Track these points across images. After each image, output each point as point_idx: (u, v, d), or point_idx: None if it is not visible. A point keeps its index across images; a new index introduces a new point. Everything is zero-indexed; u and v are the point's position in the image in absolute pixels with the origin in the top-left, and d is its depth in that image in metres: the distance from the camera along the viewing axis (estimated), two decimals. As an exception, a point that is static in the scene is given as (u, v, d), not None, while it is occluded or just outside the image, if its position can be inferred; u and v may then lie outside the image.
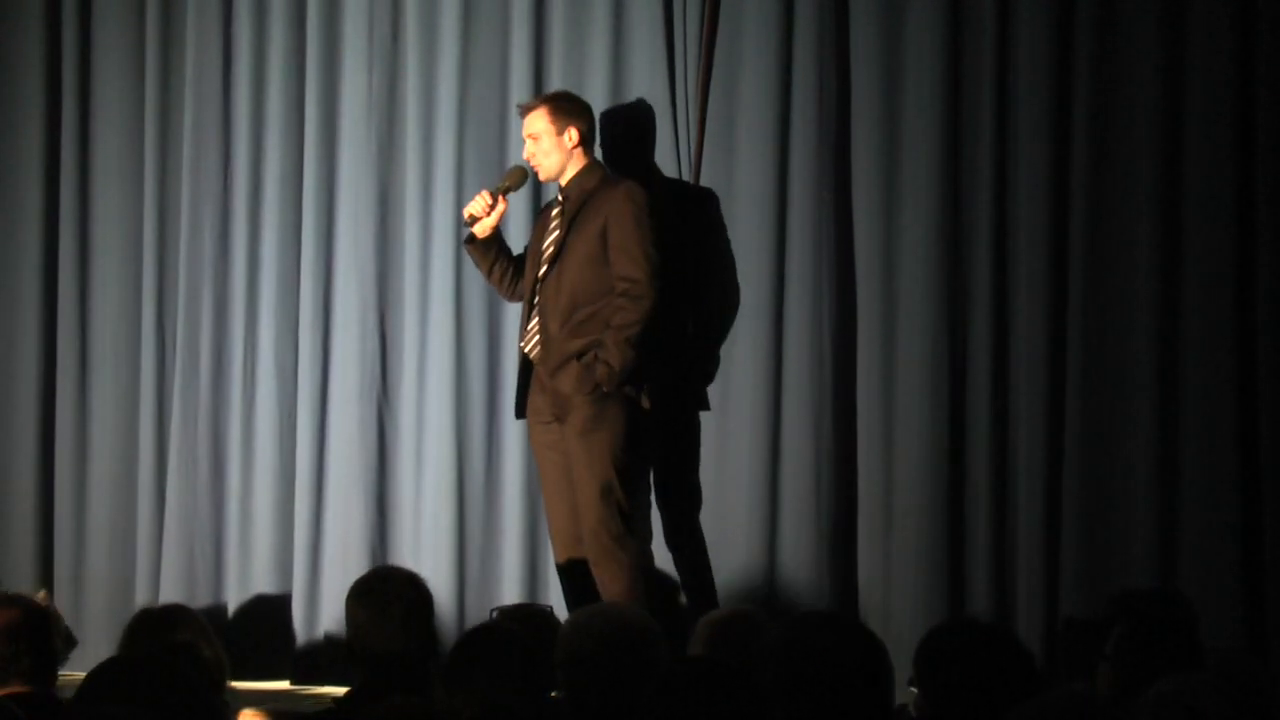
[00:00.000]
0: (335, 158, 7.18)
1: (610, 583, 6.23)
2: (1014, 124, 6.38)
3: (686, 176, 6.73)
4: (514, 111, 6.86)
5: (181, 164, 7.33)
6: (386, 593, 4.51)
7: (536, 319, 6.36)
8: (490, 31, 7.00)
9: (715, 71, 6.71)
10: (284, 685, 7.05)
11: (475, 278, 6.88)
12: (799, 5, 6.62)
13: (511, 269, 6.51)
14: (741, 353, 6.64)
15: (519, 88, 6.92)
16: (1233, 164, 6.19)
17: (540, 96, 6.52)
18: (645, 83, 6.77)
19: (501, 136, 6.99)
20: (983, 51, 6.40)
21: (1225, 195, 6.19)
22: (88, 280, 7.50)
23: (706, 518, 6.63)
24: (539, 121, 6.38)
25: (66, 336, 7.49)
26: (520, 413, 6.49)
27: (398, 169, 7.12)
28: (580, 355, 6.24)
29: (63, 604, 7.21)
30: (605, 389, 6.21)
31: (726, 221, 6.65)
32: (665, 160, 6.74)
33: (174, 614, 4.57)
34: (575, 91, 6.56)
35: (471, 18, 7.02)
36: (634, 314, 6.23)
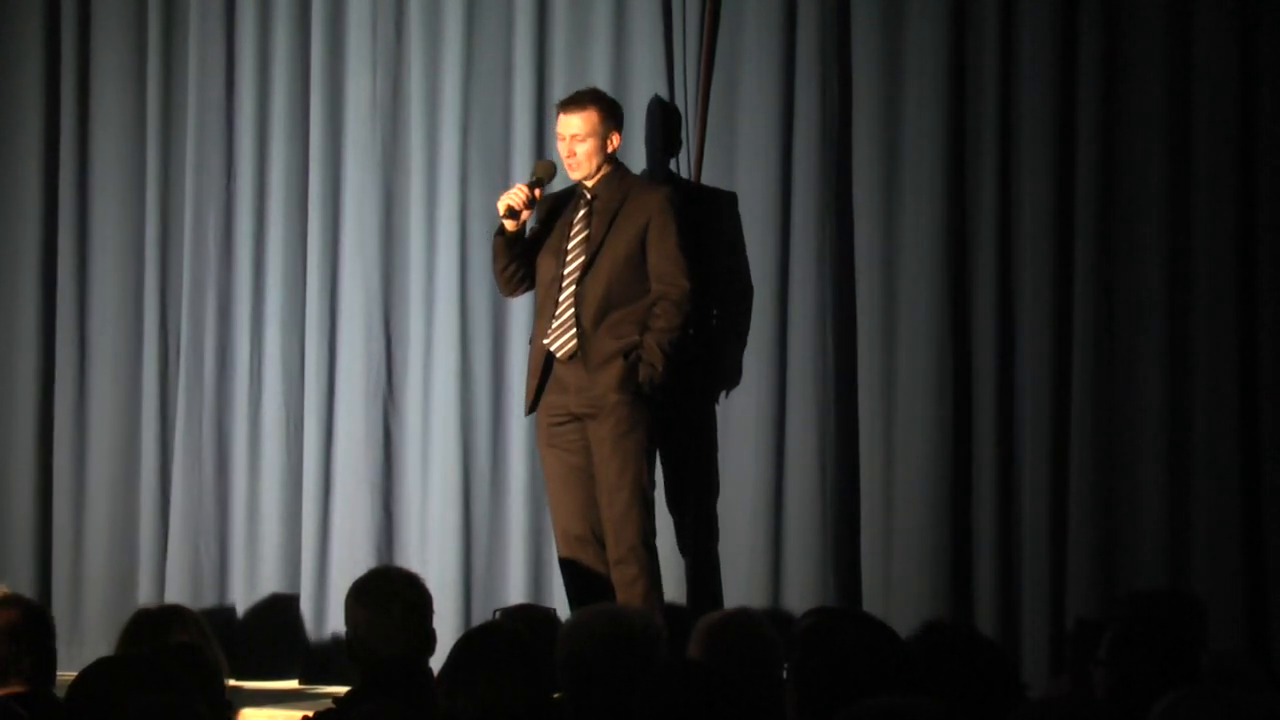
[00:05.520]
0: (340, 159, 7.19)
1: (633, 583, 6.27)
2: (1017, 122, 6.35)
3: (686, 176, 6.73)
4: (518, 112, 6.90)
5: (185, 165, 7.35)
6: (385, 592, 4.52)
7: (568, 316, 6.37)
8: (493, 33, 7.00)
9: (716, 72, 6.71)
10: (292, 684, 7.07)
11: (480, 277, 6.89)
12: (800, 4, 6.61)
13: (525, 266, 6.52)
14: (745, 353, 6.64)
15: (522, 89, 6.93)
16: (1238, 163, 6.16)
17: (587, 95, 6.49)
18: (647, 84, 6.76)
19: (506, 137, 6.99)
20: (985, 50, 6.38)
21: (1231, 195, 6.16)
22: (87, 280, 7.51)
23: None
24: (588, 123, 6.40)
25: (65, 336, 7.50)
26: (531, 409, 6.51)
27: (402, 170, 7.13)
28: (625, 354, 6.28)
29: (61, 603, 7.25)
30: (647, 390, 6.26)
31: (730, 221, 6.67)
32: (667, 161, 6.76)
33: (171, 614, 4.58)
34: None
35: (474, 19, 7.01)
36: (677, 319, 6.33)
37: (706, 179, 6.70)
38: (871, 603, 6.36)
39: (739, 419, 6.64)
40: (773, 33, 6.61)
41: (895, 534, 6.44)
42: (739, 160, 6.68)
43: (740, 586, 6.56)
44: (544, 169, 6.54)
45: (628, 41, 6.83)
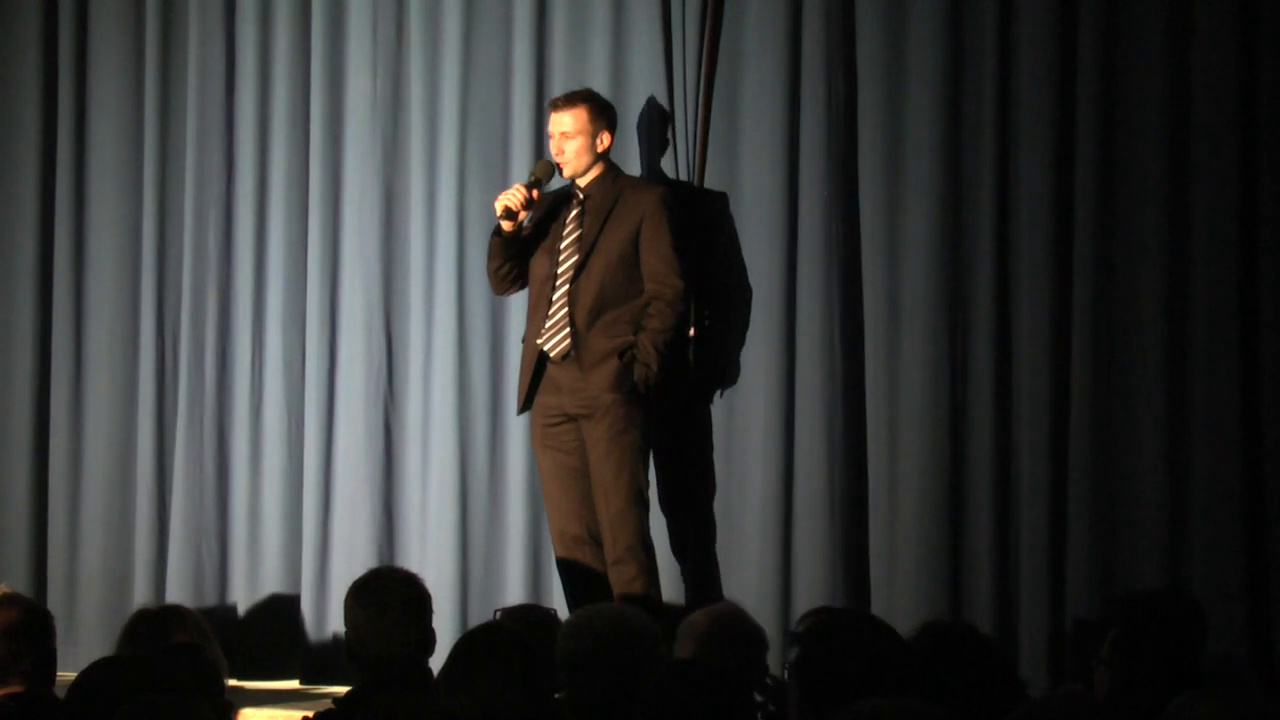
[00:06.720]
0: (340, 159, 7.19)
1: (631, 582, 6.28)
2: (1018, 123, 6.35)
3: (684, 177, 6.73)
4: (517, 112, 6.90)
5: (184, 165, 7.36)
6: (385, 592, 4.52)
7: (562, 315, 6.37)
8: (492, 33, 7.01)
9: (719, 71, 6.70)
10: (292, 684, 7.07)
11: (479, 278, 6.88)
12: (803, 4, 6.61)
13: (519, 265, 6.53)
14: (752, 354, 6.64)
15: (521, 89, 6.93)
16: (1238, 164, 6.16)
17: (579, 94, 6.51)
18: (645, 83, 6.77)
19: (505, 137, 6.99)
20: (986, 52, 6.37)
21: (1231, 195, 6.16)
22: (83, 280, 7.52)
23: (719, 515, 6.66)
24: (577, 121, 6.42)
25: (61, 336, 7.52)
26: (524, 408, 6.51)
27: (402, 170, 7.13)
28: (620, 354, 6.28)
29: (56, 603, 7.25)
30: (642, 390, 6.26)
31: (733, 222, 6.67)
32: (665, 161, 6.74)
33: (171, 614, 4.59)
34: (577, 92, 6.60)
35: (474, 19, 7.02)
36: (671, 319, 6.35)
37: (710, 178, 6.69)
38: (878, 601, 6.37)
39: (747, 418, 6.63)
40: (775, 32, 6.60)
41: (900, 533, 6.43)
42: (743, 159, 6.67)
43: (750, 585, 6.55)
44: (543, 170, 6.55)
45: (626, 41, 6.83)
